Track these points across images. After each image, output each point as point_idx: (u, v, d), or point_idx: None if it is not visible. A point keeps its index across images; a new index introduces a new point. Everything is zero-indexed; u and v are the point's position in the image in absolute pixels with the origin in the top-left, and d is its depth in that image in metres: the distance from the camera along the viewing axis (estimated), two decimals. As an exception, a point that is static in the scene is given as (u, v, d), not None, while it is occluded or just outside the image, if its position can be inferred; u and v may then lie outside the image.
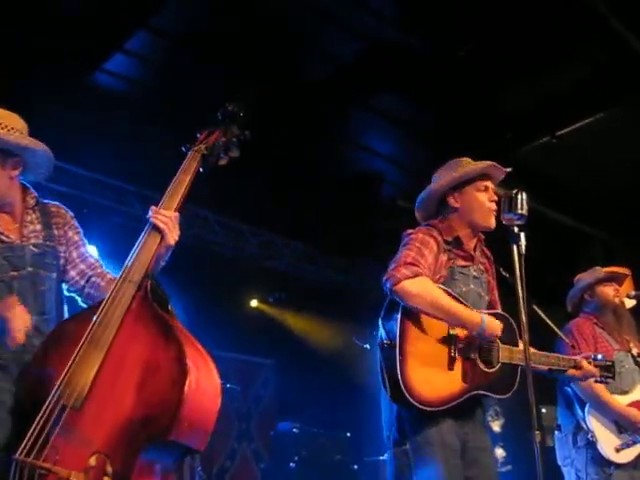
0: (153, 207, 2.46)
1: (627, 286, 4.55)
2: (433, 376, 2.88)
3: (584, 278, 4.38)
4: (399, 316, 2.92)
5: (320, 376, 8.25)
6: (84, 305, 2.73)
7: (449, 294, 3.00)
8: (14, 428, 2.30)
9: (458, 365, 2.93)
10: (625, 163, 6.85)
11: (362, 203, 7.74)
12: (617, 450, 3.85)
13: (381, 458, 6.72)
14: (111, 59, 5.73)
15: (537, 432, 2.46)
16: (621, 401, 3.95)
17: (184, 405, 2.08)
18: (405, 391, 2.80)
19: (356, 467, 7.44)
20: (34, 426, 2.11)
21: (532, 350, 3.12)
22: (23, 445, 2.09)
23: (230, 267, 8.11)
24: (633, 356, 4.13)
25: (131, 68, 5.99)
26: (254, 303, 9.14)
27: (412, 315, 2.94)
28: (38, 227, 2.63)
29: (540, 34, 5.41)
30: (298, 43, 5.75)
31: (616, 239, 8.37)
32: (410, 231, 3.15)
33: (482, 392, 2.97)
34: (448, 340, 2.93)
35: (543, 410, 7.21)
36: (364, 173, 7.73)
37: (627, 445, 3.86)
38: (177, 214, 2.47)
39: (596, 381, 3.47)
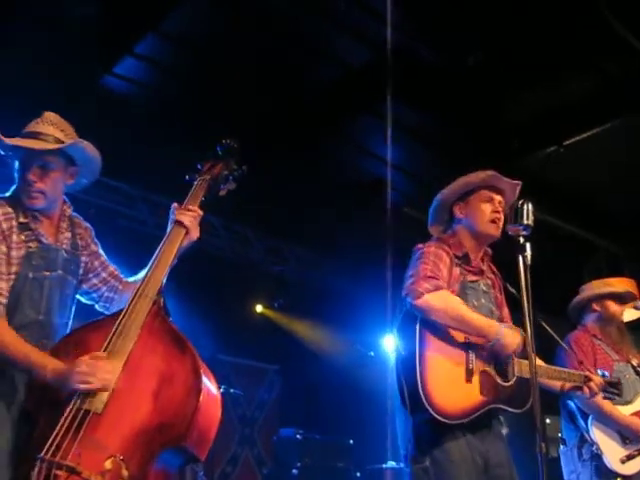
0: (176, 204, 2.71)
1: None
2: (452, 388, 2.86)
3: (596, 287, 4.35)
4: (417, 328, 2.91)
5: (324, 382, 8.23)
6: (101, 310, 2.89)
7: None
8: (19, 430, 2.39)
9: (476, 378, 2.91)
10: (632, 173, 6.83)
11: (367, 209, 7.73)
12: (622, 461, 3.83)
13: (384, 466, 6.70)
14: (120, 62, 5.75)
15: (542, 444, 2.45)
16: (623, 412, 3.93)
17: (198, 413, 2.23)
18: (426, 403, 2.77)
19: (359, 474, 7.40)
20: (58, 428, 2.18)
21: (543, 365, 3.13)
22: (48, 445, 2.15)
23: (235, 272, 8.12)
24: (633, 366, 4.12)
25: (140, 72, 6.01)
26: (259, 308, 9.13)
27: (430, 327, 2.93)
28: (68, 235, 2.78)
29: (548, 44, 5.41)
30: (307, 48, 5.76)
31: (622, 249, 8.35)
32: (421, 245, 3.16)
33: (500, 406, 2.95)
34: (466, 352, 2.92)
35: (547, 420, 7.18)
36: (370, 179, 7.73)
37: (632, 456, 3.84)
38: (201, 212, 2.74)
39: (604, 397, 3.46)
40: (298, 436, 7.37)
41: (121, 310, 2.46)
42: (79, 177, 2.83)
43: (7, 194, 2.70)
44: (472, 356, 2.92)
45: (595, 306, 4.30)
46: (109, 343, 2.34)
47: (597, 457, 3.85)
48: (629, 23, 5.19)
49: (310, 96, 6.19)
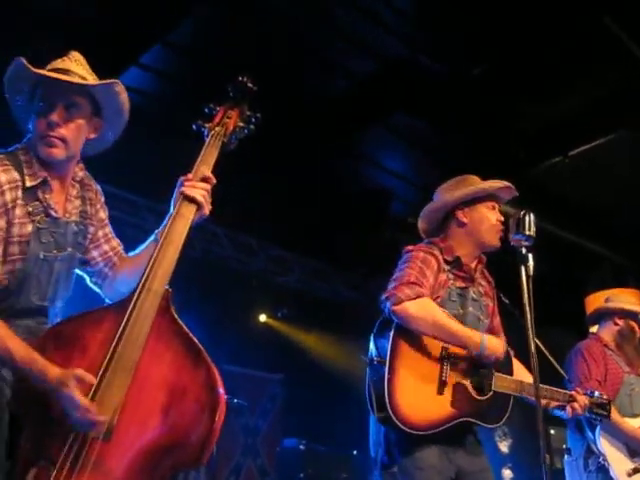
0: (183, 178, 2.29)
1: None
2: (421, 399, 2.82)
3: (623, 302, 4.30)
4: (392, 334, 2.87)
5: (328, 393, 8.20)
6: (91, 285, 2.56)
7: (448, 315, 2.95)
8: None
9: (448, 389, 2.87)
10: (637, 183, 6.82)
11: (372, 219, 7.74)
12: (629, 474, 3.80)
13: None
14: (126, 73, 5.78)
15: (546, 455, 2.43)
16: (632, 424, 3.90)
17: (215, 434, 1.94)
18: (391, 412, 2.74)
19: (362, 485, 7.38)
20: (62, 460, 1.91)
21: (526, 381, 3.05)
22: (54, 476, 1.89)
23: (239, 282, 8.11)
24: (643, 379, 4.10)
25: (146, 82, 6.04)
26: (263, 318, 9.12)
27: (405, 334, 2.88)
28: (77, 203, 2.40)
29: (553, 55, 5.41)
30: (314, 59, 5.78)
31: (627, 260, 8.32)
32: (410, 248, 3.12)
33: (471, 419, 2.89)
34: (440, 363, 2.88)
35: (552, 431, 7.14)
36: (375, 189, 7.74)
37: (639, 470, 3.81)
38: (214, 180, 2.33)
39: (589, 419, 3.42)
40: (301, 446, 7.34)
41: (122, 303, 2.08)
42: (102, 133, 2.44)
43: (11, 149, 2.32)
44: (447, 367, 2.87)
45: (618, 320, 4.27)
46: (114, 351, 1.97)
47: (603, 469, 3.83)
48: (634, 33, 5.20)
49: (314, 107, 6.20)
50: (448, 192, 3.22)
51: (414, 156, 7.19)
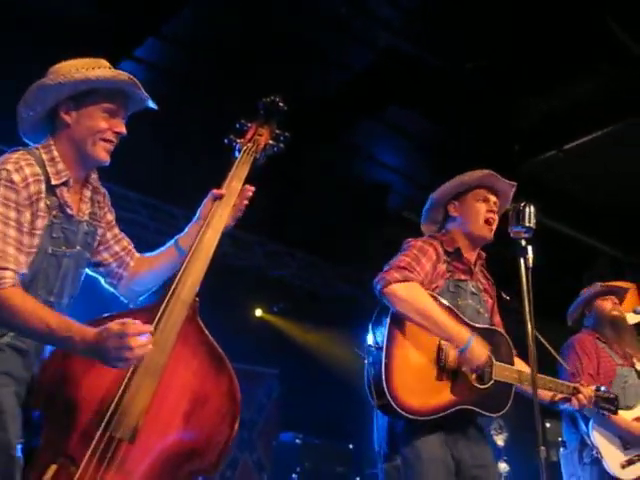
0: (215, 191, 2.41)
1: (634, 301, 4.53)
2: (420, 385, 2.81)
3: (584, 292, 4.37)
4: (388, 320, 2.88)
5: (324, 386, 8.21)
6: (107, 286, 2.58)
7: (441, 304, 2.94)
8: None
9: (448, 376, 2.86)
10: (633, 177, 6.83)
11: (368, 214, 7.73)
12: (622, 466, 3.82)
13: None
14: (120, 65, 5.75)
15: (542, 448, 2.43)
16: (625, 416, 3.90)
17: (231, 442, 2.01)
18: (390, 397, 2.73)
19: (358, 479, 7.40)
20: (86, 461, 1.93)
21: (527, 371, 3.03)
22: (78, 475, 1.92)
23: (235, 276, 8.10)
24: (637, 371, 4.10)
25: (141, 76, 6.01)
26: (259, 313, 9.13)
27: (402, 321, 2.88)
28: (88, 204, 2.42)
29: (549, 49, 5.41)
30: (310, 53, 5.76)
31: (624, 254, 8.34)
32: (410, 239, 3.13)
33: (470, 407, 2.88)
34: (439, 349, 2.86)
35: (547, 424, 7.17)
36: (371, 184, 7.74)
37: (632, 461, 3.83)
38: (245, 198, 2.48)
39: (597, 413, 3.43)
40: (298, 440, 7.37)
41: (150, 308, 2.11)
42: None
43: (34, 147, 2.30)
44: (445, 353, 2.85)
45: (586, 311, 4.32)
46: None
47: (598, 461, 3.84)
48: (629, 27, 5.20)
49: (311, 101, 6.18)
50: (440, 188, 3.25)
51: (410, 150, 7.19)
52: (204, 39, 5.60)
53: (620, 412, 3.90)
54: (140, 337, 1.87)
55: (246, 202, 2.51)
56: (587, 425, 3.92)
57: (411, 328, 2.88)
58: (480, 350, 2.86)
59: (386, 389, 2.75)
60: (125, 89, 2.36)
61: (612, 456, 3.84)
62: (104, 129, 2.31)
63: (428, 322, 2.85)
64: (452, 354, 2.87)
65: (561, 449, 4.13)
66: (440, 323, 2.85)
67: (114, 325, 1.89)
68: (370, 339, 2.97)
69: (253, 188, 2.48)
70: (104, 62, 2.38)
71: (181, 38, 5.64)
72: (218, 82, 5.91)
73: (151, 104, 2.45)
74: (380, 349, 2.82)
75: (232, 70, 5.78)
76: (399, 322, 2.88)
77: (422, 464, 2.79)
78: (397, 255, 3.05)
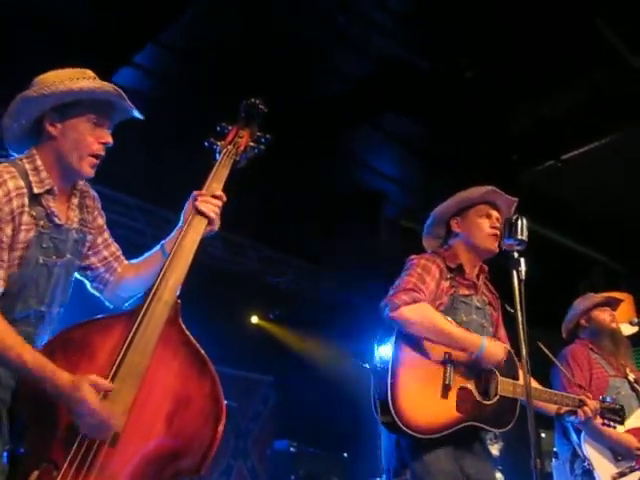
0: (196, 193, 2.40)
1: (630, 312, 4.53)
2: (425, 403, 2.83)
3: (580, 303, 4.36)
4: (393, 340, 2.91)
5: (319, 394, 8.19)
6: (93, 291, 2.57)
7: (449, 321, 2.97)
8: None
9: (453, 394, 2.88)
10: (630, 188, 6.84)
11: (365, 221, 7.73)
12: (614, 478, 3.79)
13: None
14: (119, 72, 5.76)
15: (537, 460, 2.42)
16: (617, 428, 3.90)
17: (216, 444, 1.99)
18: (395, 416, 2.76)
19: (352, 488, 7.38)
20: (67, 465, 1.93)
21: (537, 387, 3.09)
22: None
23: (230, 283, 8.09)
24: (630, 382, 4.09)
25: (139, 82, 6.02)
26: (254, 319, 9.11)
27: (407, 340, 2.92)
28: (77, 211, 2.41)
29: (547, 58, 5.43)
30: (307, 60, 5.77)
31: (619, 264, 8.35)
32: (413, 257, 3.16)
33: (476, 424, 2.90)
34: (443, 367, 2.90)
35: (542, 435, 7.15)
36: (367, 191, 7.74)
37: (624, 474, 3.81)
38: (225, 198, 2.43)
39: (603, 424, 3.43)
40: (292, 449, 7.34)
41: (131, 311, 2.12)
42: None
43: (18, 158, 2.27)
44: (450, 371, 2.89)
45: (583, 322, 4.31)
46: (122, 359, 2.01)
47: (589, 473, 3.83)
48: (625, 37, 5.22)
49: (307, 107, 6.19)
50: (442, 205, 3.28)
51: (407, 159, 7.19)
52: (202, 45, 5.60)
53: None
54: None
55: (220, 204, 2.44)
56: (579, 436, 3.90)
57: (417, 347, 2.92)
58: (495, 347, 2.94)
59: (392, 408, 2.78)
60: (110, 99, 2.35)
61: (603, 468, 3.82)
62: (90, 142, 2.30)
63: (441, 337, 2.91)
64: (458, 369, 2.90)
65: (553, 460, 4.12)
66: (454, 336, 2.91)
67: (87, 395, 1.93)
68: (375, 358, 2.99)
69: (225, 198, 2.44)
70: (89, 72, 2.38)
71: (180, 44, 5.64)
72: (216, 87, 5.91)
73: (136, 114, 2.45)
74: (386, 369, 2.85)
75: (230, 75, 5.78)
76: (405, 342, 2.92)
77: (431, 477, 2.81)
78: (402, 275, 3.07)
